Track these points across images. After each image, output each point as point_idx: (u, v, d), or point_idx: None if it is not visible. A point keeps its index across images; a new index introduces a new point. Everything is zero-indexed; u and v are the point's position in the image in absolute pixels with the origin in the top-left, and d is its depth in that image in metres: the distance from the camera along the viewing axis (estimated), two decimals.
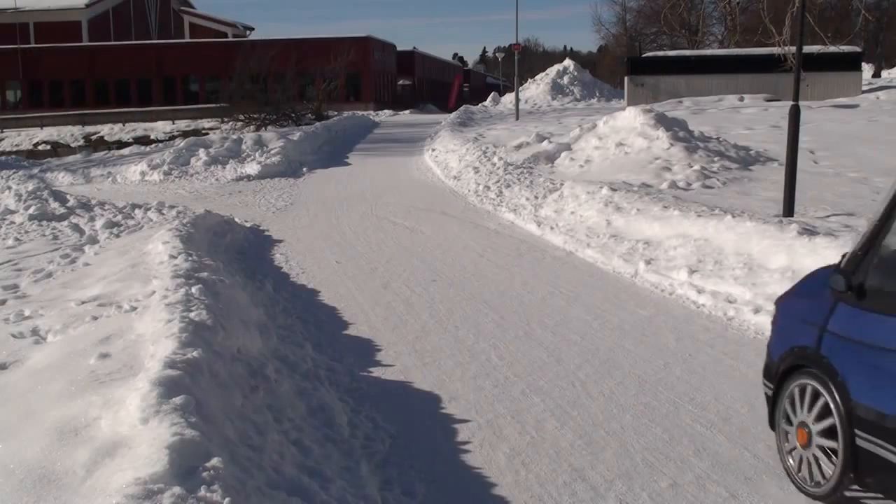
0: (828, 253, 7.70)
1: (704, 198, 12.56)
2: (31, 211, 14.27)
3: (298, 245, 12.04)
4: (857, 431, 3.80)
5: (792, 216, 10.22)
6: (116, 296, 7.23)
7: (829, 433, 3.99)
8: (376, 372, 6.33)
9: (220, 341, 5.71)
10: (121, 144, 35.53)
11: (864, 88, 36.25)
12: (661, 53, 43.08)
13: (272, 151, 23.55)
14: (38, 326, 6.49)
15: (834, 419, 3.95)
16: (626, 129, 17.87)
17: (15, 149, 36.26)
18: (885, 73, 51.54)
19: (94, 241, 11.64)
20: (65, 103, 49.78)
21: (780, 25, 11.82)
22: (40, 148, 36.79)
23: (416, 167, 21.89)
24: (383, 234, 12.43)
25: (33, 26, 55.36)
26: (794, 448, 4.28)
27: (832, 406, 3.97)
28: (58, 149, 36.28)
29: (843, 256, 4.19)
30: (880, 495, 3.99)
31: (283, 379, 5.76)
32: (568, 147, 18.72)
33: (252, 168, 21.99)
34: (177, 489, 3.36)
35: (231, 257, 10.84)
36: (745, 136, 20.46)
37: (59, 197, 15.61)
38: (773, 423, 4.52)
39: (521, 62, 35.09)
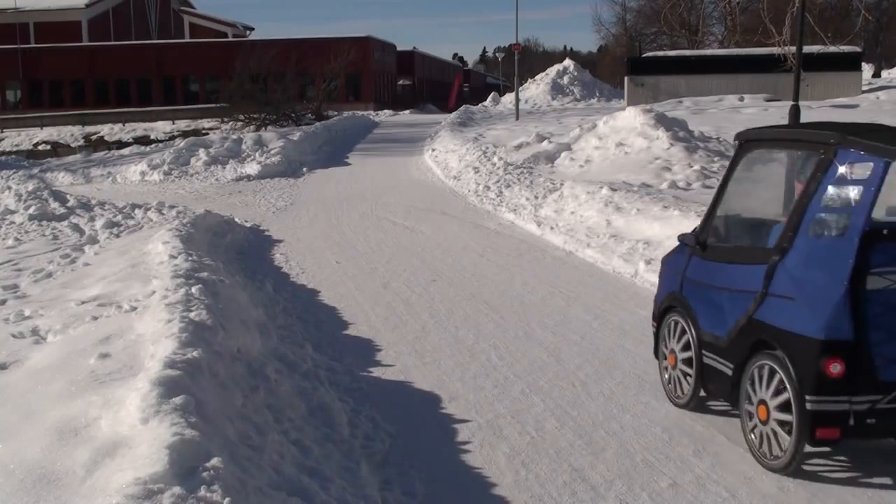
0: None
1: (704, 198, 12.55)
2: (31, 211, 14.28)
3: (298, 245, 12.04)
4: (703, 352, 5.13)
5: None
6: (116, 296, 7.23)
7: (688, 357, 5.30)
8: (376, 372, 6.33)
9: (220, 341, 5.71)
10: (121, 144, 35.53)
11: (864, 88, 36.26)
12: (661, 53, 43.10)
13: (272, 151, 23.56)
14: (38, 326, 6.49)
15: (691, 346, 5.27)
16: (626, 129, 17.87)
17: (15, 149, 36.25)
18: (885, 73, 51.53)
19: (94, 241, 11.64)
20: (65, 103, 49.79)
21: (780, 25, 11.83)
22: (40, 148, 36.78)
23: (416, 167, 21.90)
24: (383, 234, 12.44)
25: (33, 26, 55.38)
26: (667, 370, 5.58)
27: (688, 334, 5.31)
28: (58, 149, 36.27)
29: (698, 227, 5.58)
30: (721, 399, 5.20)
31: (283, 379, 5.76)
32: (568, 147, 18.73)
33: (252, 168, 21.99)
34: (177, 489, 3.36)
35: (231, 257, 10.85)
36: None
37: (59, 197, 15.62)
38: (656, 354, 5.80)
39: (521, 62, 35.10)
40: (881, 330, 4.23)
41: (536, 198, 14.21)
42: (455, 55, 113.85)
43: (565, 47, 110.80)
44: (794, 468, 4.40)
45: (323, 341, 7.11)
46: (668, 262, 5.88)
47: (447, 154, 21.99)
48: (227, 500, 3.40)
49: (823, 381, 4.19)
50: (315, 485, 4.13)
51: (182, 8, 67.98)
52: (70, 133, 38.71)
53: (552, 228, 11.99)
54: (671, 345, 5.50)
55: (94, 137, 37.76)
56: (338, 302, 8.56)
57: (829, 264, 4.32)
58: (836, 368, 4.17)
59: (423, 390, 5.92)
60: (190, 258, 8.53)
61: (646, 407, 5.45)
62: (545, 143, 20.14)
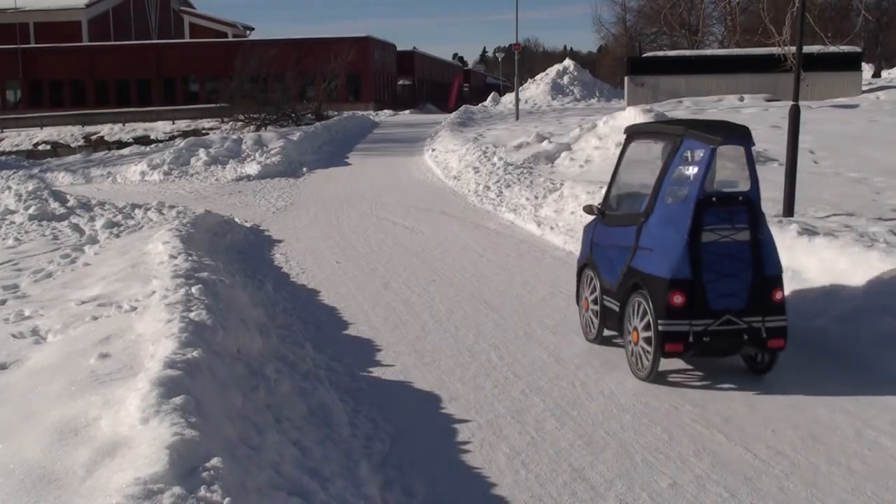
0: (828, 253, 7.71)
1: None
2: (31, 211, 14.28)
3: (298, 245, 12.04)
4: (604, 297, 6.60)
5: (792, 216, 10.21)
6: (116, 296, 7.23)
7: (595, 301, 6.79)
8: (376, 372, 6.33)
9: (220, 341, 5.71)
10: (121, 144, 35.51)
11: (864, 88, 36.24)
12: (661, 53, 43.07)
13: (272, 151, 23.55)
14: (38, 326, 6.49)
15: (596, 293, 6.75)
16: None
17: (15, 149, 36.24)
18: (885, 73, 51.53)
19: (94, 241, 11.64)
20: (65, 103, 49.80)
21: (780, 25, 11.80)
22: (40, 148, 36.77)
23: (416, 167, 21.90)
24: (383, 234, 12.44)
25: (33, 26, 55.38)
26: (583, 314, 7.10)
27: (596, 284, 6.77)
28: (58, 149, 36.26)
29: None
30: (614, 332, 6.60)
31: (283, 379, 5.76)
32: (568, 147, 18.72)
33: (252, 168, 21.99)
34: (177, 489, 3.36)
35: (231, 257, 10.84)
36: None
37: (59, 197, 15.61)
38: (578, 301, 7.28)
39: (521, 62, 35.09)
40: (712, 272, 5.71)
41: (536, 198, 14.20)
42: (455, 55, 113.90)
43: (565, 47, 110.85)
44: (653, 376, 5.86)
45: (323, 341, 7.11)
46: (586, 229, 7.36)
47: (447, 154, 21.99)
48: (227, 500, 3.40)
49: (670, 309, 5.67)
50: (315, 485, 4.13)
51: (182, 8, 67.98)
52: (70, 133, 38.71)
53: (552, 228, 11.99)
54: (584, 294, 7.03)
55: (94, 137, 37.75)
56: (338, 302, 8.56)
57: (676, 223, 5.82)
58: (678, 300, 5.67)
59: (423, 390, 5.92)
60: (190, 258, 8.53)
61: (646, 407, 5.45)
62: (545, 143, 20.13)
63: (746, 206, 5.83)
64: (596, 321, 6.77)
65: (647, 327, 5.82)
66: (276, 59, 36.05)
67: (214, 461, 3.66)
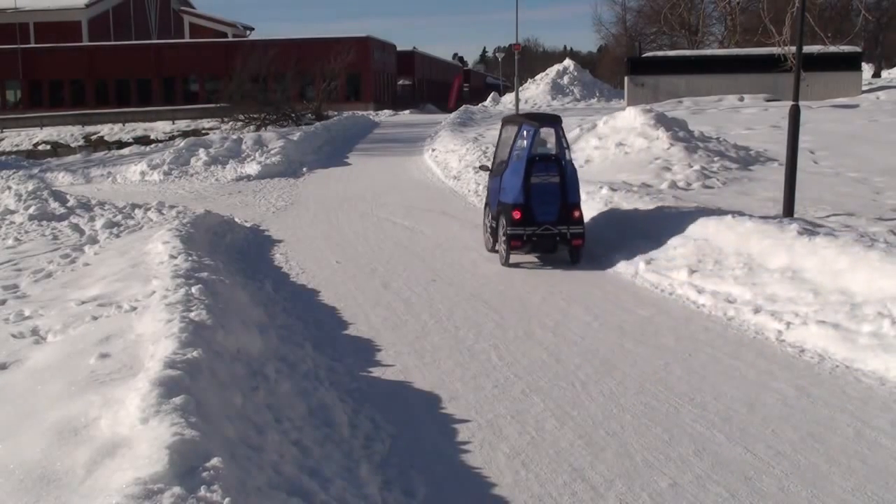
0: (828, 253, 7.71)
1: (704, 198, 12.57)
2: (31, 211, 14.28)
3: (298, 245, 12.04)
4: (492, 221, 10.32)
5: (792, 216, 10.22)
6: (116, 296, 7.23)
7: (491, 225, 10.52)
8: (376, 372, 6.33)
9: (220, 341, 5.71)
10: (121, 144, 35.50)
11: (864, 88, 36.25)
12: (661, 53, 43.09)
13: (272, 151, 23.55)
14: (38, 326, 6.50)
15: (488, 220, 10.64)
16: (626, 129, 17.88)
17: (15, 149, 36.23)
18: (885, 73, 51.55)
19: (94, 241, 11.64)
20: (65, 103, 49.81)
21: (780, 25, 11.80)
22: (40, 148, 36.76)
23: (416, 167, 21.89)
24: (383, 234, 12.44)
25: (33, 26, 55.39)
26: (485, 234, 10.88)
27: (492, 216, 10.47)
28: (58, 149, 36.25)
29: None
30: (504, 247, 9.84)
31: (283, 379, 5.76)
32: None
33: (252, 168, 21.99)
34: (177, 489, 3.36)
35: (231, 257, 10.84)
36: (745, 136, 20.47)
37: (59, 197, 15.61)
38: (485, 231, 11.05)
39: (521, 62, 35.07)
40: (536, 200, 9.69)
41: None
42: (455, 55, 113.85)
43: (565, 47, 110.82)
44: (508, 263, 9.83)
45: (323, 341, 7.11)
46: (490, 185, 11.07)
47: (447, 154, 21.98)
48: (227, 500, 3.40)
49: (513, 220, 9.63)
50: (315, 485, 4.13)
51: (182, 8, 67.99)
52: (70, 133, 38.71)
53: None
54: (486, 222, 10.84)
55: (94, 137, 37.76)
56: (338, 302, 8.56)
57: (518, 172, 9.80)
58: (517, 215, 9.62)
59: (423, 390, 5.91)
60: (190, 258, 8.53)
61: (646, 407, 5.45)
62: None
63: (556, 162, 9.86)
64: (490, 239, 10.64)
65: (504, 234, 9.73)
66: (276, 59, 36.05)
67: (214, 461, 3.66)
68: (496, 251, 10.30)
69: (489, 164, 11.38)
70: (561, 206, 9.61)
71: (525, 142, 9.90)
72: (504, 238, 9.63)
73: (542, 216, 9.58)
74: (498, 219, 9.99)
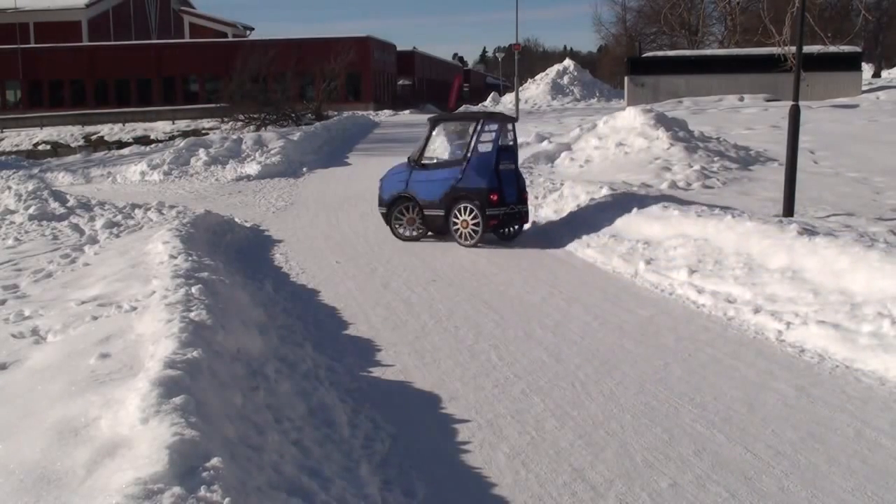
0: (828, 253, 7.71)
1: (704, 197, 12.57)
2: (31, 211, 14.28)
3: (298, 245, 12.04)
4: (424, 211, 11.67)
5: (792, 216, 10.22)
6: (116, 296, 7.23)
7: (413, 217, 11.85)
8: (376, 372, 6.33)
9: (220, 341, 5.71)
10: (121, 144, 35.51)
11: (864, 88, 36.25)
12: (661, 53, 43.08)
13: (272, 151, 23.55)
14: (38, 326, 6.49)
15: (416, 210, 11.77)
16: (626, 129, 17.88)
17: (15, 149, 36.23)
18: (885, 73, 51.54)
19: (94, 241, 11.64)
20: (65, 103, 49.80)
21: (780, 25, 11.81)
22: (40, 148, 36.76)
23: None
24: (383, 234, 12.43)
25: (33, 26, 55.37)
26: (403, 226, 11.94)
27: (417, 207, 11.71)
28: (58, 149, 36.25)
29: (412, 158, 11.93)
30: (434, 232, 11.73)
31: (283, 379, 5.76)
32: (568, 147, 18.72)
33: (252, 168, 21.99)
34: (177, 489, 3.36)
35: (231, 257, 10.85)
36: (745, 136, 20.47)
37: (59, 197, 15.61)
38: (388, 222, 12.13)
39: (521, 62, 35.07)
40: (505, 184, 11.10)
41: (536, 198, 14.19)
42: (455, 55, 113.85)
43: (565, 47, 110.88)
44: (477, 243, 11.07)
45: (323, 341, 7.11)
46: (390, 178, 12.16)
47: None
48: (227, 500, 3.40)
49: (490, 203, 10.92)
50: (315, 485, 4.13)
51: (182, 8, 67.97)
52: (70, 133, 38.71)
53: (552, 228, 11.98)
54: (396, 213, 11.93)
55: (94, 137, 37.76)
56: (338, 302, 8.56)
57: (488, 161, 11.13)
58: (494, 198, 10.94)
59: (423, 390, 5.91)
60: (190, 258, 8.53)
61: (646, 407, 5.45)
62: (545, 143, 20.14)
63: (513, 152, 11.49)
64: (414, 228, 11.86)
65: (474, 217, 11.04)
66: (276, 59, 36.05)
67: (214, 461, 3.65)
68: (410, 237, 11.83)
69: (414, 160, 11.79)
70: (517, 189, 11.34)
71: (491, 136, 11.27)
72: (481, 220, 10.95)
73: (509, 198, 11.16)
74: (449, 206, 11.23)
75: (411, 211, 11.72)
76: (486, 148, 11.17)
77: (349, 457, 4.70)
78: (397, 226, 11.93)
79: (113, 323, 6.25)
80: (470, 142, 11.19)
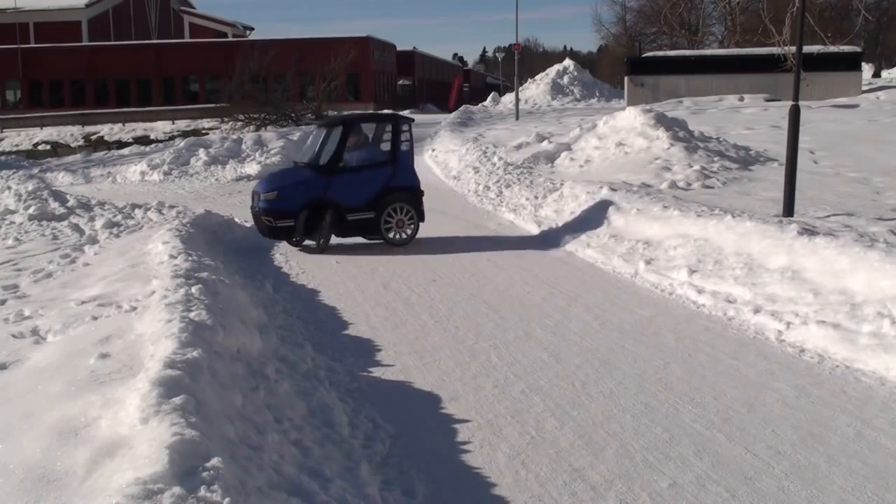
0: (828, 253, 7.71)
1: (704, 198, 12.56)
2: (31, 211, 14.27)
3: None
4: (347, 215, 11.15)
5: (792, 216, 10.21)
6: (116, 296, 7.23)
7: (336, 221, 11.18)
8: (376, 372, 6.33)
9: (220, 341, 5.71)
10: (121, 144, 35.47)
11: (864, 88, 36.26)
12: (661, 53, 43.09)
13: (272, 151, 23.56)
14: (38, 326, 6.49)
15: (336, 216, 11.11)
16: (626, 129, 17.87)
17: (15, 149, 36.20)
18: (885, 73, 51.56)
19: (94, 241, 11.63)
20: (65, 103, 49.75)
21: (780, 25, 11.80)
22: (40, 148, 36.72)
23: (416, 167, 21.84)
24: None
25: (33, 26, 55.33)
26: (301, 236, 11.30)
27: (331, 211, 11.08)
28: (58, 149, 36.21)
29: (322, 162, 11.23)
30: (359, 233, 11.50)
31: (283, 379, 5.76)
32: (568, 147, 18.72)
33: (252, 168, 22.00)
34: (177, 489, 3.35)
35: (231, 257, 10.84)
36: (745, 136, 20.47)
37: (59, 197, 15.60)
38: (290, 234, 11.30)
39: (521, 62, 35.09)
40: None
41: (536, 198, 14.20)
42: (455, 55, 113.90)
43: (565, 47, 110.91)
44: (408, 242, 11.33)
45: (323, 341, 7.11)
46: (286, 189, 11.14)
47: (447, 154, 21.98)
48: (227, 500, 3.40)
49: (421, 196, 11.61)
50: (315, 485, 4.13)
51: (182, 8, 67.95)
52: (70, 133, 38.67)
53: (552, 228, 11.98)
54: (326, 221, 11.15)
55: (94, 137, 37.71)
56: (338, 302, 8.56)
57: (410, 159, 11.50)
58: (422, 192, 11.65)
59: (424, 390, 5.91)
60: (190, 258, 8.53)
61: (646, 407, 5.45)
62: (545, 143, 20.13)
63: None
64: (323, 236, 11.24)
65: (407, 213, 11.33)
66: (276, 59, 36.01)
67: (214, 461, 3.65)
68: (313, 242, 11.30)
69: (326, 166, 11.11)
70: None
71: (407, 135, 11.53)
72: (415, 214, 11.42)
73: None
74: (382, 207, 11.21)
75: (329, 217, 11.06)
76: (407, 145, 11.51)
77: (349, 457, 4.70)
78: (307, 236, 11.26)
79: (113, 323, 6.25)
80: (398, 140, 11.33)
